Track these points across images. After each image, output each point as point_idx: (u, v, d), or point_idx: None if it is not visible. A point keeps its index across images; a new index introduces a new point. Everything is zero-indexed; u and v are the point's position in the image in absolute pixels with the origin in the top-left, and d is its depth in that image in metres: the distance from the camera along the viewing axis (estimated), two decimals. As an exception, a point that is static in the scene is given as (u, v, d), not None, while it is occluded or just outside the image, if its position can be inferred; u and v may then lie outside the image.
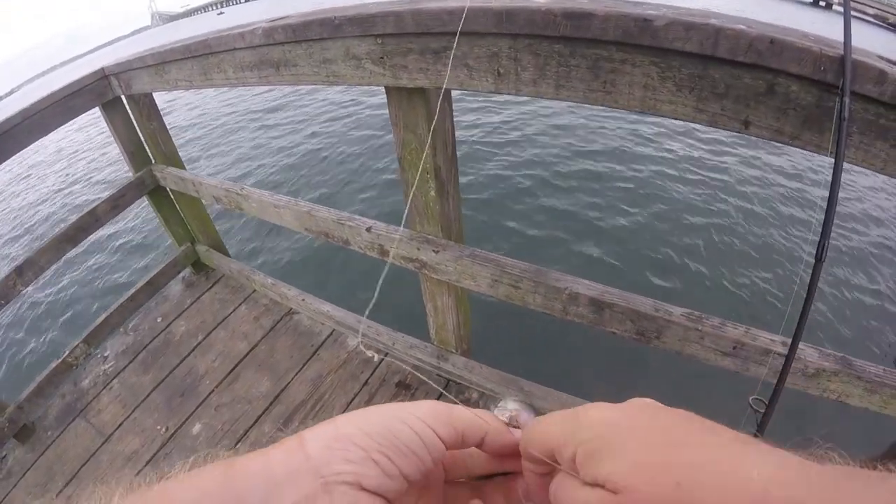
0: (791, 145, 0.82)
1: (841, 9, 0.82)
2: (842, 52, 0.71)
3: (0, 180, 10.22)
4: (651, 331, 1.18)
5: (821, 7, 30.28)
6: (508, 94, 1.06)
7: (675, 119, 0.90)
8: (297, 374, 2.05)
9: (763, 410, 0.98)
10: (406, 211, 1.48)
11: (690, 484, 0.22)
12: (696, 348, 1.14)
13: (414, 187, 1.39)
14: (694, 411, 0.28)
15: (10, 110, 2.00)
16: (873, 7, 26.00)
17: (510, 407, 0.41)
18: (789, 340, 0.96)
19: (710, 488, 0.22)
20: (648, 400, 0.31)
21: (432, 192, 1.37)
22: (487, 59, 1.02)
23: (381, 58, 1.17)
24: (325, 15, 1.22)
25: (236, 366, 2.16)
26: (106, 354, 2.43)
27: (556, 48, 0.92)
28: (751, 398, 1.00)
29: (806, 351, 1.06)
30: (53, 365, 2.23)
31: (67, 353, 2.27)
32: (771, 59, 0.74)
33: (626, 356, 2.94)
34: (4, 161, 1.91)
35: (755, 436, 1.00)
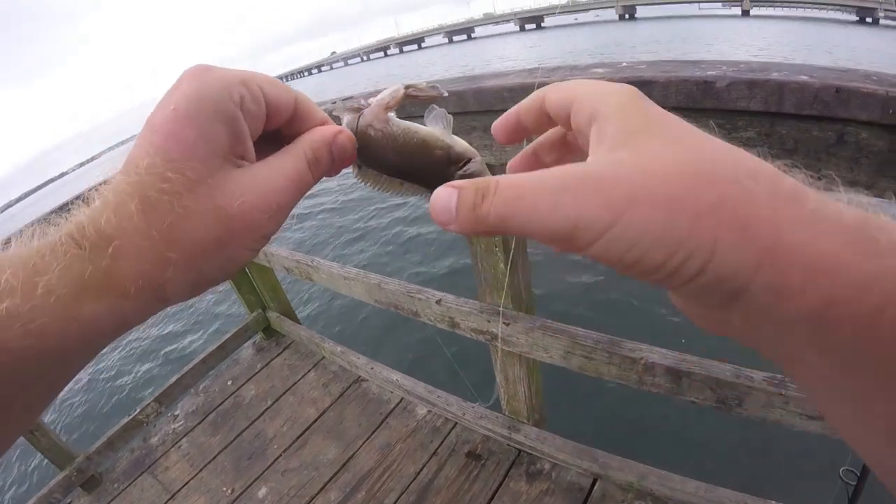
0: (868, 195, 0.75)
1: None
2: (908, 92, 0.64)
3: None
4: (732, 398, 1.10)
5: (867, 24, 28.82)
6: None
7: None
8: (365, 441, 2.02)
9: (854, 483, 0.91)
10: (476, 283, 1.47)
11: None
12: (781, 413, 1.04)
13: (482, 260, 1.38)
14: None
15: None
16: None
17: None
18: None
19: None
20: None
21: (500, 264, 1.35)
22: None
23: (447, 137, 1.19)
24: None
25: (304, 431, 2.16)
26: (176, 413, 2.49)
27: (619, 118, 0.90)
28: (841, 469, 0.92)
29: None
30: (125, 421, 2.29)
31: (139, 410, 2.32)
32: (838, 109, 0.70)
33: (707, 422, 2.74)
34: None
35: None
